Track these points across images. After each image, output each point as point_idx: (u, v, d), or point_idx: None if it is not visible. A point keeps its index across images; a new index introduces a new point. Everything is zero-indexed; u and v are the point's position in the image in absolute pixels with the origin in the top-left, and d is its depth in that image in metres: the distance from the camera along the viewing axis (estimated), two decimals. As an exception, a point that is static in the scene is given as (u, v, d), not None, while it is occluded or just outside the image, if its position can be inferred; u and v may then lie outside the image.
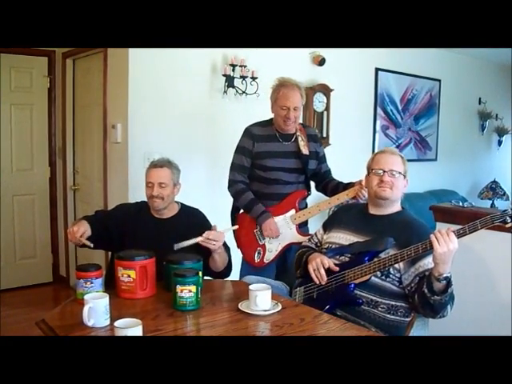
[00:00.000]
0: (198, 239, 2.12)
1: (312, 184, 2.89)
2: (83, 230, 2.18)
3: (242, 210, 2.75)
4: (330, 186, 2.80)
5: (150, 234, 2.29)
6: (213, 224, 2.27)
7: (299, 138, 2.70)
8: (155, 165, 2.38)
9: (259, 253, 2.66)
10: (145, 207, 2.42)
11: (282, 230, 2.64)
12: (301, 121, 4.32)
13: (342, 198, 2.56)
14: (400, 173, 2.06)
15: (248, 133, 2.73)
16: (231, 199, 2.79)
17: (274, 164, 2.66)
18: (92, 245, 2.19)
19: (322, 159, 2.84)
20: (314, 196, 2.94)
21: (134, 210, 2.45)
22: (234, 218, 2.80)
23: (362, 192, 2.48)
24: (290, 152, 2.68)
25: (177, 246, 2.09)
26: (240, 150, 2.73)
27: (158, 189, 2.30)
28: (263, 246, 2.68)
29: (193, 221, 2.36)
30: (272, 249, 2.67)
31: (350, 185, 2.65)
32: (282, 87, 2.65)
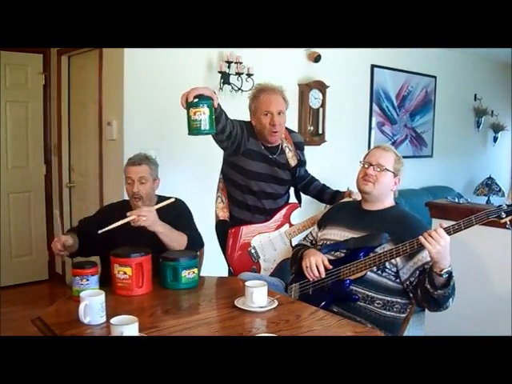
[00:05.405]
0: (124, 220, 2.06)
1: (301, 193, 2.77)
2: (64, 239, 2.09)
3: (232, 225, 2.55)
4: (311, 189, 2.71)
5: (131, 235, 2.15)
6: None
7: (286, 150, 2.55)
8: (134, 162, 2.34)
9: (254, 271, 2.50)
10: (127, 206, 2.36)
11: (277, 246, 2.54)
12: (297, 119, 4.40)
13: None
14: (388, 169, 2.04)
15: None
16: None
17: (265, 173, 2.51)
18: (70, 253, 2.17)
19: (304, 164, 2.71)
20: (308, 203, 2.91)
21: (117, 209, 2.36)
22: (221, 233, 2.59)
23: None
24: (281, 164, 2.53)
25: (100, 231, 2.02)
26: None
27: (138, 185, 2.29)
28: (258, 264, 2.52)
29: (172, 213, 2.26)
30: (267, 267, 2.53)
31: (338, 193, 2.59)
32: (261, 92, 2.46)
